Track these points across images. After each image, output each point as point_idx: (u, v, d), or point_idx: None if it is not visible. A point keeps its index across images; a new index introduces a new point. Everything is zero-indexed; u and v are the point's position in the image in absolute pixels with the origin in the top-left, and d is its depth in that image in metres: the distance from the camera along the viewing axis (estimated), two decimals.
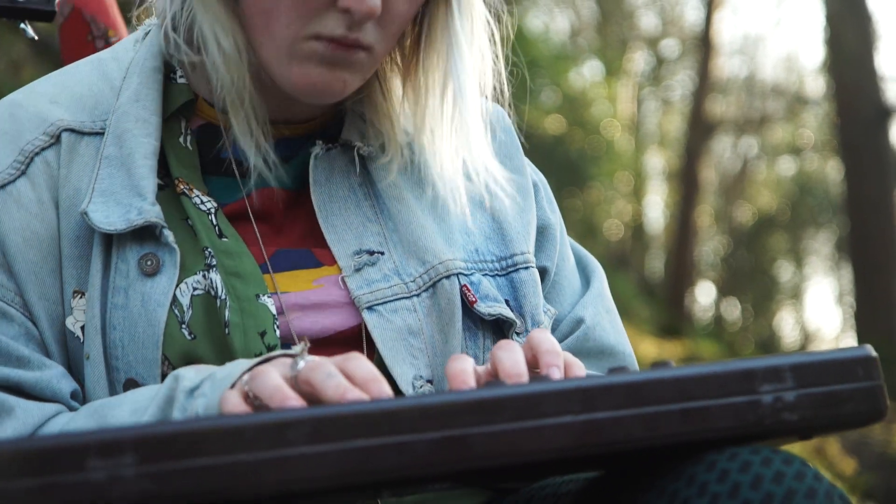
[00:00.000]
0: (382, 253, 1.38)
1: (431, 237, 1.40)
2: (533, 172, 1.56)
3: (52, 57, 8.30)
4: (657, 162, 20.83)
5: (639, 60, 20.11)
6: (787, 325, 22.12)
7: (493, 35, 1.41)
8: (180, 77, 1.40)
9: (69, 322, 1.30)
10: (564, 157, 15.79)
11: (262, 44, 1.31)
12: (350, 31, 1.28)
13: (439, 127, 1.39)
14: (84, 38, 2.03)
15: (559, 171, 15.22)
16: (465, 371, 1.11)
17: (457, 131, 1.39)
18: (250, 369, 1.10)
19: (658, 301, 16.08)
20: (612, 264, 17.25)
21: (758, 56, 20.73)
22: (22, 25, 1.60)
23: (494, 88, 1.42)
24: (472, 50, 1.37)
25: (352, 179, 1.42)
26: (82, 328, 1.29)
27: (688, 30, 19.69)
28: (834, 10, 12.19)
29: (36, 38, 1.62)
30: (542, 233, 1.52)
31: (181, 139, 1.37)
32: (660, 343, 11.87)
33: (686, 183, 16.60)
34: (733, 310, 21.53)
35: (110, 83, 1.40)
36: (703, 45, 16.79)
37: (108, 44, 2.05)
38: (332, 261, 1.38)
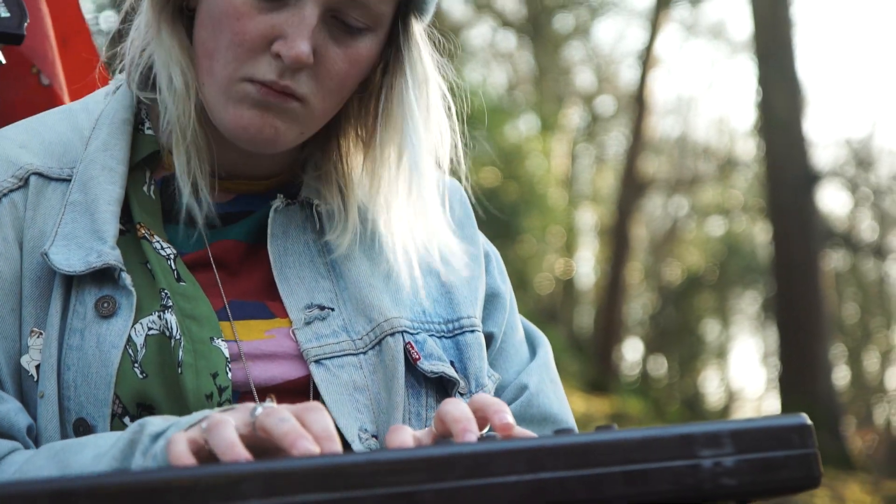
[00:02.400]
0: (333, 309, 1.42)
1: (380, 296, 1.43)
2: (485, 243, 1.60)
3: None
4: (589, 218, 20.99)
5: (574, 116, 20.31)
6: (711, 384, 22.31)
7: (449, 108, 1.45)
8: (148, 129, 1.44)
9: (24, 360, 1.31)
10: (498, 210, 15.86)
11: (205, 84, 1.36)
12: (281, 78, 1.32)
13: (395, 200, 1.44)
14: (28, 69, 2.02)
15: (492, 223, 15.27)
16: (405, 443, 1.12)
17: (412, 206, 1.43)
18: (210, 412, 1.12)
19: (586, 356, 16.16)
20: (542, 318, 17.30)
21: (690, 117, 21.05)
22: None
23: (452, 161, 1.46)
24: (429, 123, 1.42)
25: (308, 235, 1.45)
26: (37, 367, 1.31)
27: (623, 88, 19.95)
28: (765, 75, 12.42)
29: (4, 62, 1.62)
30: (492, 300, 1.55)
31: (145, 188, 1.41)
32: (587, 398, 11.91)
33: (617, 240, 16.75)
34: (660, 367, 21.68)
35: (80, 133, 1.43)
36: (638, 104, 17.02)
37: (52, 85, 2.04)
38: (285, 313, 1.41)
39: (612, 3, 19.83)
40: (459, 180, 1.54)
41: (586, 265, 21.17)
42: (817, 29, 30.04)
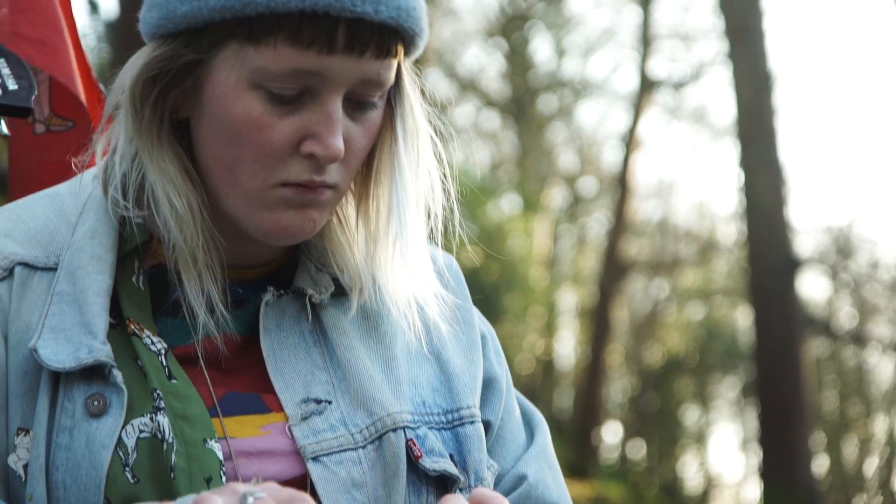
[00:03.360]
0: (330, 402, 1.37)
1: (380, 388, 1.38)
2: (481, 322, 1.56)
3: None
4: (570, 298, 21.00)
5: (556, 197, 20.42)
6: (691, 469, 22.18)
7: (441, 160, 1.42)
8: (137, 217, 1.37)
9: (11, 460, 1.27)
10: (479, 289, 15.85)
11: (228, 195, 1.32)
12: (316, 175, 1.30)
13: (385, 252, 1.40)
14: (24, 120, 2.00)
15: (473, 302, 15.24)
16: None
17: (403, 258, 1.39)
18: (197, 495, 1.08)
19: (566, 439, 16.06)
20: None
21: (672, 200, 21.17)
22: None
23: (445, 218, 1.43)
24: (418, 178, 1.38)
25: (302, 326, 1.41)
26: (24, 466, 1.26)
27: (605, 170, 20.10)
28: (747, 161, 12.51)
29: (8, 134, 1.58)
30: (489, 386, 1.51)
31: (134, 279, 1.36)
32: (568, 482, 11.82)
33: (598, 321, 16.74)
34: (639, 451, 21.56)
35: (66, 219, 1.38)
36: (620, 185, 17.13)
37: (48, 131, 2.02)
38: (281, 407, 1.36)
39: (596, 86, 20.04)
40: (451, 232, 1.49)
41: (567, 346, 21.16)
42: (800, 116, 30.39)
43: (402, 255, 1.38)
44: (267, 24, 1.24)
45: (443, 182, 1.42)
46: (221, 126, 1.29)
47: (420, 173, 1.39)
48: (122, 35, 8.31)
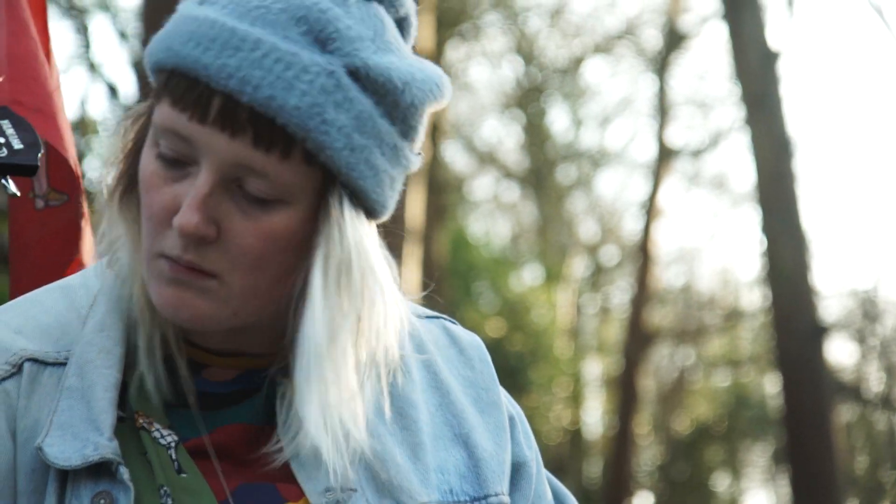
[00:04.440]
0: (355, 490, 1.33)
1: (406, 476, 1.35)
2: (510, 405, 1.51)
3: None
4: (596, 368, 20.90)
5: (578, 266, 20.40)
6: None
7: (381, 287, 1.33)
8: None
9: None
10: (503, 361, 15.78)
11: (143, 260, 1.30)
12: (185, 252, 1.24)
13: (313, 386, 1.30)
14: (25, 193, 2.01)
15: (498, 375, 15.16)
16: None
17: (339, 395, 1.30)
18: None
19: None
20: (550, 470, 17.05)
21: (695, 267, 21.12)
22: (3, 182, 1.57)
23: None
24: (342, 307, 1.28)
25: None
26: None
27: (626, 238, 20.08)
28: (769, 227, 12.48)
29: (18, 193, 1.59)
30: (518, 470, 1.47)
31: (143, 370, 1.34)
32: None
33: (624, 390, 16.63)
34: None
35: (77, 311, 1.37)
36: (641, 253, 17.10)
37: (47, 206, 2.03)
38: (298, 496, 1.32)
39: (614, 155, 20.10)
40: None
41: (594, 416, 21.01)
42: (822, 181, 30.38)
43: (315, 392, 1.29)
44: (161, 80, 1.26)
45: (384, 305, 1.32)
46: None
47: (352, 308, 1.29)
48: None
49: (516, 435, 1.49)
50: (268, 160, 1.23)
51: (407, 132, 1.30)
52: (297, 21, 1.24)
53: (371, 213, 1.30)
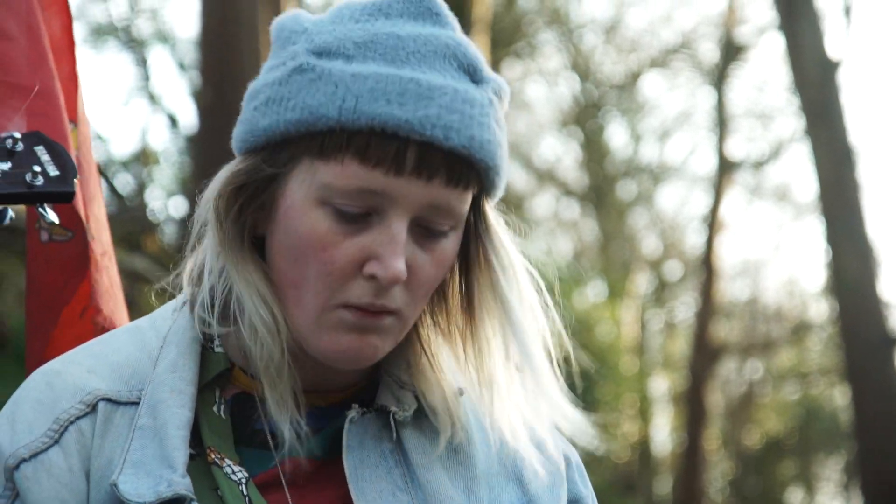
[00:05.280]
0: None
1: None
2: (564, 444, 1.52)
3: None
4: (662, 384, 20.72)
5: (641, 282, 20.26)
6: None
7: (539, 286, 1.41)
8: (217, 346, 1.39)
9: None
10: (568, 380, 15.69)
11: (294, 314, 1.32)
12: (377, 298, 1.28)
13: (502, 392, 1.38)
14: (33, 224, 2.03)
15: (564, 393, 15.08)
16: None
17: (529, 398, 1.38)
18: None
19: None
20: (620, 488, 16.95)
21: (759, 280, 20.89)
22: (41, 210, 1.59)
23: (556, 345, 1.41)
24: (524, 311, 1.37)
25: (384, 445, 1.39)
26: None
27: (689, 252, 19.92)
28: (833, 237, 12.34)
29: (57, 221, 1.61)
30: None
31: (215, 408, 1.36)
32: None
33: (692, 406, 16.49)
34: None
35: (148, 352, 1.39)
36: (705, 267, 16.96)
37: (51, 240, 2.04)
38: None
39: (674, 169, 19.96)
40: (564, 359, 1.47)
41: (662, 432, 20.82)
42: (887, 190, 29.94)
43: (533, 391, 1.37)
44: (337, 140, 1.26)
45: (545, 308, 1.40)
46: (290, 242, 1.30)
47: (524, 306, 1.37)
48: (201, 149, 8.47)
49: (571, 474, 1.50)
50: (454, 195, 1.29)
51: None
52: (448, 59, 1.30)
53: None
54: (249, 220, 1.35)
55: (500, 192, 1.36)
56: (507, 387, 1.38)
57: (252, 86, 1.35)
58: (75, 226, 2.04)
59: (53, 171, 1.57)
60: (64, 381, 1.36)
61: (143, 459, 1.30)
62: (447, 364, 1.42)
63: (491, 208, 1.37)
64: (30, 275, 2.11)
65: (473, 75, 1.31)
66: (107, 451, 1.32)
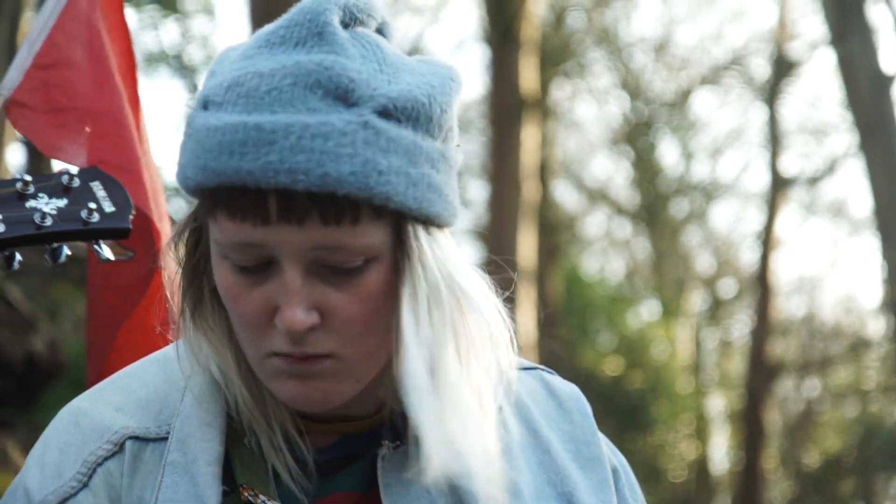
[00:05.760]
0: None
1: None
2: (612, 455, 1.48)
3: None
4: (719, 403, 20.55)
5: (696, 300, 20.13)
6: None
7: (489, 289, 1.32)
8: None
9: None
10: (623, 400, 15.60)
11: (249, 361, 1.29)
12: (296, 346, 1.23)
13: (434, 423, 1.26)
14: (91, 244, 2.05)
15: (619, 413, 15.02)
16: None
17: (462, 423, 1.26)
18: None
19: None
20: None
21: (816, 297, 20.68)
22: (96, 247, 1.60)
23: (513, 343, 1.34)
24: (422, 332, 1.25)
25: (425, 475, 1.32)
26: None
27: (744, 270, 19.77)
28: (889, 253, 12.20)
29: (112, 258, 1.62)
30: None
31: (246, 441, 1.33)
32: None
33: (749, 425, 16.33)
34: None
35: (175, 384, 1.36)
36: (760, 285, 16.83)
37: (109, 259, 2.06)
38: None
39: (727, 186, 19.84)
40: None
41: (719, 451, 20.63)
42: None
43: (447, 414, 1.24)
44: (208, 199, 1.22)
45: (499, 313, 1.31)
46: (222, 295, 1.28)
47: (455, 332, 1.26)
48: None
49: (621, 488, 1.46)
50: (340, 232, 1.21)
51: (446, 136, 1.28)
52: (311, 88, 1.21)
53: (445, 226, 1.28)
54: (203, 264, 1.32)
55: (420, 210, 1.24)
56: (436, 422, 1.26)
57: None
58: (140, 245, 2.03)
59: (109, 208, 1.57)
60: (91, 420, 1.34)
61: (176, 497, 1.28)
62: None
63: (417, 232, 1.26)
64: (89, 296, 2.13)
65: (346, 98, 1.21)
66: (136, 490, 1.30)
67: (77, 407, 1.36)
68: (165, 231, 2.09)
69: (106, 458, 1.31)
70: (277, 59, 1.22)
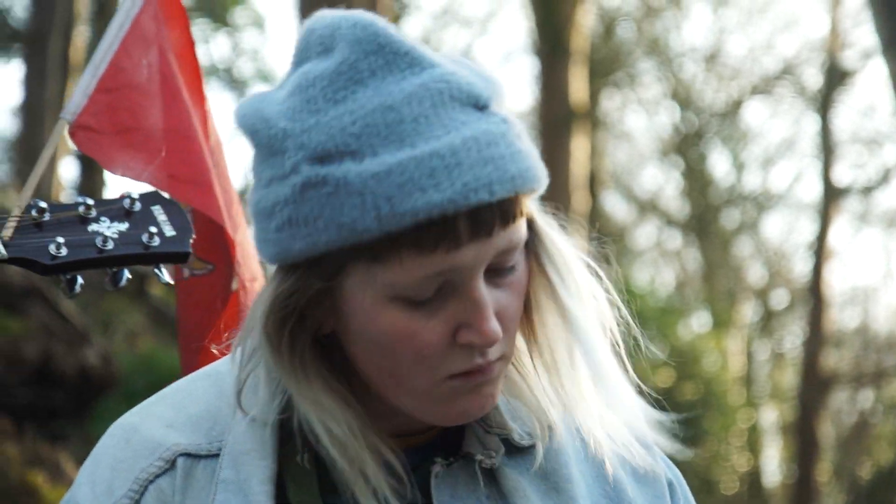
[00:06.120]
0: None
1: None
2: (667, 468, 1.47)
3: (169, 326, 8.52)
4: (771, 415, 20.36)
5: (747, 311, 19.97)
6: None
7: (598, 275, 1.35)
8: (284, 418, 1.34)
9: None
10: (674, 411, 15.46)
11: (397, 396, 1.28)
12: (480, 359, 1.25)
13: (579, 396, 1.32)
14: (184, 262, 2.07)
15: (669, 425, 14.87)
16: None
17: (599, 396, 1.32)
18: None
19: None
20: None
21: (870, 308, 20.45)
22: (156, 271, 1.61)
23: (621, 332, 1.36)
24: (585, 307, 1.31)
25: (479, 493, 1.34)
26: None
27: (796, 281, 19.59)
28: None
29: (172, 282, 1.63)
30: None
31: (298, 458, 1.31)
32: None
33: (802, 437, 16.18)
34: None
35: (227, 399, 1.34)
36: (813, 296, 16.67)
37: (192, 275, 2.08)
38: None
39: (779, 197, 19.68)
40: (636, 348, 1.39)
41: (772, 464, 20.44)
42: None
43: (600, 389, 1.31)
44: (387, 244, 1.20)
45: (611, 304, 1.35)
46: (372, 340, 1.25)
47: (585, 301, 1.31)
48: None
49: (676, 502, 1.45)
50: (513, 231, 1.24)
51: None
52: (448, 104, 1.22)
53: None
54: (310, 323, 1.28)
55: (539, 187, 1.28)
56: (582, 401, 1.33)
57: (255, 198, 1.27)
58: (217, 257, 2.07)
59: (170, 232, 1.58)
60: (142, 436, 1.32)
61: None
62: (534, 376, 1.37)
63: (536, 210, 1.31)
64: (178, 314, 2.15)
65: (477, 104, 1.23)
66: None
67: (128, 423, 1.35)
68: (240, 240, 2.11)
69: (158, 476, 1.30)
70: (391, 91, 1.21)
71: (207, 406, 1.35)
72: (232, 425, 1.32)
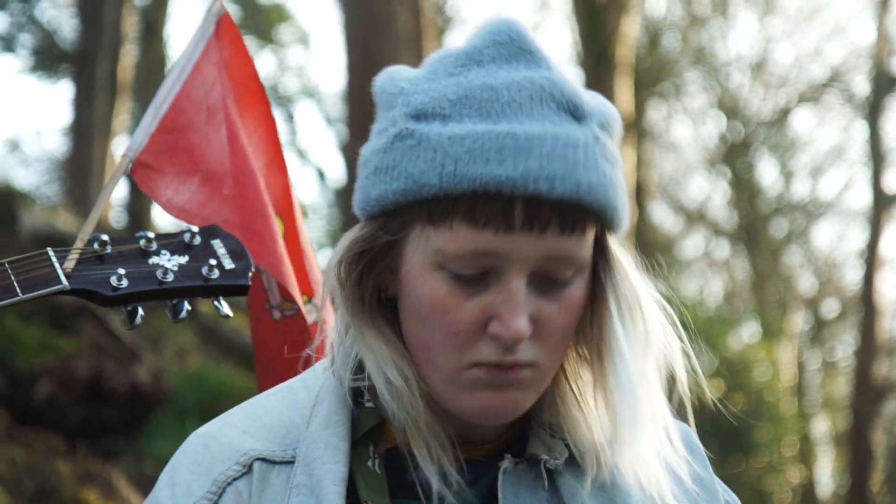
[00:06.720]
0: None
1: None
2: (724, 493, 1.48)
3: (218, 343, 8.58)
4: (823, 425, 20.16)
5: (798, 321, 19.81)
6: None
7: (673, 319, 1.37)
8: (368, 401, 1.39)
9: None
10: (725, 422, 15.39)
11: (429, 375, 1.32)
12: (506, 355, 1.27)
13: (633, 431, 1.34)
14: (262, 306, 2.08)
15: (721, 436, 14.83)
16: None
17: (656, 433, 1.34)
18: None
19: None
20: None
21: None
22: (216, 304, 1.63)
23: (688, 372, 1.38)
24: (647, 349, 1.33)
25: (539, 495, 1.37)
26: None
27: (847, 290, 19.41)
28: None
29: (231, 314, 1.65)
30: None
31: (369, 463, 1.36)
32: None
33: (855, 447, 16.01)
34: None
35: (300, 412, 1.40)
36: (864, 305, 16.51)
37: (283, 316, 2.10)
38: None
39: (828, 205, 19.51)
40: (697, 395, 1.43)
41: (825, 474, 20.24)
42: None
43: (633, 438, 1.33)
44: (443, 206, 1.25)
45: (679, 342, 1.37)
46: (414, 306, 1.30)
47: (650, 342, 1.33)
48: (350, 200, 8.60)
49: None
50: (571, 242, 1.26)
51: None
52: (545, 101, 1.27)
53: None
54: (373, 283, 1.35)
55: (622, 226, 1.32)
56: (636, 445, 1.34)
57: (363, 151, 1.35)
58: (295, 298, 2.11)
59: (229, 265, 1.61)
60: (220, 442, 1.37)
61: None
62: (593, 402, 1.39)
63: (614, 243, 1.34)
64: (265, 357, 2.18)
65: (575, 112, 1.28)
66: None
67: (205, 432, 1.40)
68: (317, 277, 2.17)
69: (235, 479, 1.35)
70: (500, 75, 1.28)
71: (281, 418, 1.40)
72: (304, 435, 1.37)
